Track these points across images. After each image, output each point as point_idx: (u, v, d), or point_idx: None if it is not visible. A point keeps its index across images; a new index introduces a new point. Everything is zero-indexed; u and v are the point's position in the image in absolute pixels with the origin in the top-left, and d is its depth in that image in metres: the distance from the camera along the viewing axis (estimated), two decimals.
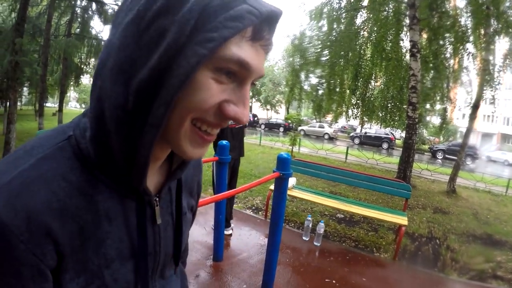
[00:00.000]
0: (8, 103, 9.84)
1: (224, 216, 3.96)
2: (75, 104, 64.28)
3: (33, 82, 16.64)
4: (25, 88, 24.07)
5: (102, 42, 13.38)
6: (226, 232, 4.67)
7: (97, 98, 0.51)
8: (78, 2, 12.81)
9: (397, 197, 7.50)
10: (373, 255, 5.06)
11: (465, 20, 11.84)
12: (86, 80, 28.45)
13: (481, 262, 5.54)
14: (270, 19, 0.50)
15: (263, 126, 37.81)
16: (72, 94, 53.68)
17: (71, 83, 16.74)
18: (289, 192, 5.61)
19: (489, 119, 56.60)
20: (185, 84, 0.46)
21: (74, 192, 0.51)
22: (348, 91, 13.88)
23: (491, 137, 58.10)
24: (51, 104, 47.64)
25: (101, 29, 14.48)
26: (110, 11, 12.70)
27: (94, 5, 12.95)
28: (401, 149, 11.50)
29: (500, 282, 4.96)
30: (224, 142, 3.84)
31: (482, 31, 11.02)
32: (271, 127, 37.29)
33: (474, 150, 30.47)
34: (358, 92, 13.84)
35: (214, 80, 0.48)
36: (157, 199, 0.64)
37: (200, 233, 4.83)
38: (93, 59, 14.71)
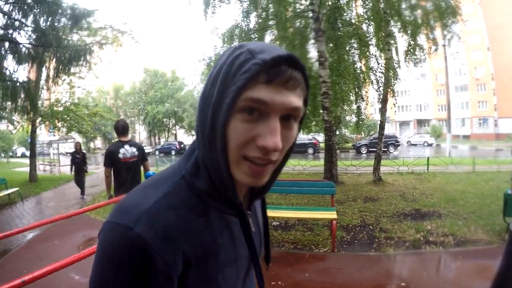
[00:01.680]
0: None
1: None
2: None
3: None
4: None
5: (18, 84, 12.69)
6: None
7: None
8: None
9: (327, 195, 7.90)
10: (312, 252, 5.46)
11: (367, 26, 12.90)
12: (3, 126, 26.56)
13: (413, 234, 6.20)
14: (279, 63, 0.62)
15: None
16: None
17: None
18: None
19: (404, 108, 61.94)
20: (225, 127, 0.64)
21: (193, 216, 0.69)
22: None
23: (408, 124, 63.80)
24: None
25: (15, 70, 13.59)
26: (24, 50, 12.11)
27: (7, 44, 12.19)
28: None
29: (433, 246, 5.61)
30: (151, 173, 4.12)
31: (383, 34, 12.02)
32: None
33: (395, 138, 32.80)
34: None
35: (242, 121, 0.63)
36: (249, 213, 0.84)
37: None
38: (9, 103, 13.78)
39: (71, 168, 12.28)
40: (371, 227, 6.77)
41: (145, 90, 59.36)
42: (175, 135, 56.96)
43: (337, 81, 12.04)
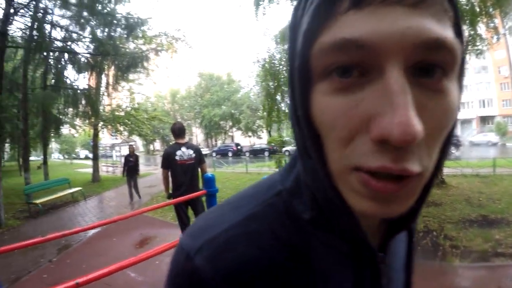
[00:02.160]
0: None
1: None
2: (58, 156, 63.28)
3: (15, 138, 16.57)
4: (6, 144, 23.93)
5: (78, 91, 13.50)
6: None
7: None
8: (51, 54, 12.92)
9: None
10: None
11: None
12: (66, 130, 28.45)
13: (480, 243, 5.67)
14: None
15: (247, 154, 37.96)
16: (54, 145, 53.17)
17: (52, 134, 16.78)
18: None
19: (465, 105, 57.73)
20: (308, 112, 0.39)
21: (284, 250, 0.46)
22: None
23: (470, 122, 59.00)
24: (34, 158, 47.15)
25: (75, 78, 14.58)
26: (82, 59, 12.85)
27: (66, 55, 13.05)
28: None
29: (502, 258, 5.09)
30: (210, 175, 4.12)
31: None
32: (256, 153, 37.54)
33: (456, 137, 31.13)
34: None
35: (333, 95, 0.36)
36: (382, 255, 0.51)
37: None
38: (70, 109, 14.79)
39: (124, 170, 11.95)
40: (434, 233, 6.33)
41: (200, 93, 60.38)
42: (232, 137, 57.59)
43: None
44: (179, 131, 5.18)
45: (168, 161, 5.02)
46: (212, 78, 59.83)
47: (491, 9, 11.21)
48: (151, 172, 20.59)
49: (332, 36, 0.34)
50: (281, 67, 13.36)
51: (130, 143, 11.87)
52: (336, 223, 0.46)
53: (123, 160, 23.44)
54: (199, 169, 5.16)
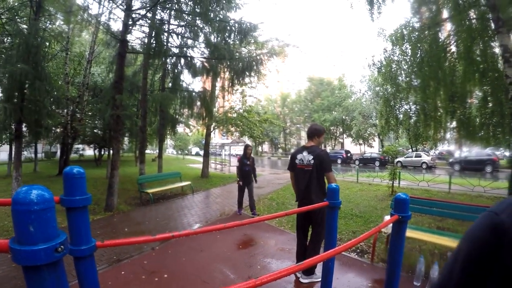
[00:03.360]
0: (111, 151, 10.78)
1: (333, 263, 3.74)
2: (171, 151, 69.32)
3: (133, 133, 18.10)
4: (125, 138, 26.15)
5: (193, 93, 14.17)
6: (307, 280, 4.55)
7: None
8: (169, 59, 13.77)
9: None
10: None
11: None
12: (181, 129, 30.52)
13: None
14: None
15: (357, 162, 36.88)
16: (168, 141, 57.54)
17: (168, 132, 17.84)
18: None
19: None
20: None
21: None
22: (444, 114, 12.49)
23: None
24: (150, 151, 51.60)
25: (190, 82, 15.56)
26: (198, 64, 13.42)
27: (182, 60, 13.79)
28: (509, 170, 10.08)
29: None
30: (335, 185, 3.71)
31: None
32: (366, 162, 36.15)
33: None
34: (457, 113, 12.32)
35: None
36: None
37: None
38: (185, 109, 15.67)
39: (239, 177, 9.27)
40: None
41: (310, 98, 60.33)
42: (342, 143, 56.29)
43: None
44: (309, 132, 4.83)
45: (292, 164, 4.81)
46: (322, 83, 59.46)
47: None
48: (259, 173, 20.83)
49: None
50: (399, 71, 12.34)
51: (247, 143, 10.32)
52: None
53: (232, 159, 23.98)
54: (324, 178, 4.59)
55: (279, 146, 67.72)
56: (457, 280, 0.71)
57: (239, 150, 45.60)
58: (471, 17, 10.71)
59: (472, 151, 28.77)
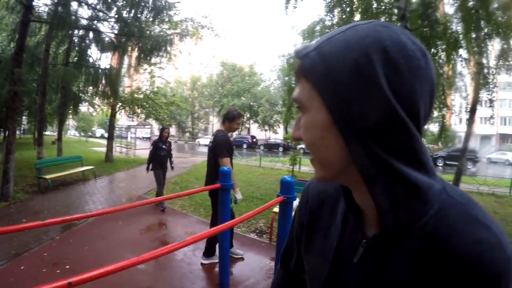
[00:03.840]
0: (7, 132, 9.82)
1: (228, 243, 3.93)
2: (74, 132, 63.24)
3: (32, 111, 16.67)
4: (24, 117, 24.09)
5: (99, 70, 13.42)
6: (207, 261, 4.75)
7: None
8: (76, 32, 12.83)
9: None
10: None
11: (456, 26, 11.84)
12: (85, 108, 28.76)
13: None
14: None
15: (262, 147, 37.78)
16: (71, 122, 53.44)
17: (70, 111, 16.78)
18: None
19: (487, 121, 56.63)
20: None
21: (333, 197, 0.79)
22: None
23: (490, 139, 58.50)
24: (50, 133, 47.69)
25: (98, 57, 14.56)
26: (107, 39, 12.74)
27: (91, 34, 12.96)
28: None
29: None
30: (226, 168, 3.86)
31: (474, 35, 11.00)
32: (270, 148, 37.18)
33: (474, 153, 30.43)
34: None
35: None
36: (364, 241, 0.66)
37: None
38: (91, 87, 14.71)
39: (150, 163, 8.35)
40: None
41: (221, 83, 60.45)
42: (248, 129, 57.22)
43: None
44: (223, 116, 4.85)
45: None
46: (235, 69, 59.88)
47: None
48: None
49: None
50: None
51: (164, 126, 9.61)
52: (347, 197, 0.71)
53: (138, 142, 22.96)
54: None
55: (186, 130, 67.06)
56: (291, 222, 0.98)
57: (145, 132, 44.52)
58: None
59: None
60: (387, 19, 11.68)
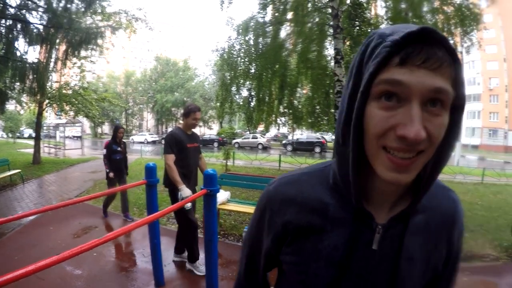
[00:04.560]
0: None
1: (159, 240, 3.91)
2: (0, 134, 56.29)
3: None
4: None
5: (27, 64, 12.55)
6: (177, 258, 4.72)
7: None
8: (3, 21, 11.83)
9: None
10: None
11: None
12: (12, 106, 26.72)
13: None
14: (412, 41, 0.57)
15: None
16: None
17: None
18: (224, 206, 5.89)
19: None
20: (359, 116, 0.63)
21: (314, 196, 0.79)
22: (276, 101, 14.10)
23: None
24: None
25: (25, 50, 13.45)
26: (35, 31, 11.96)
27: (19, 25, 12.03)
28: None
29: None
30: (151, 164, 3.86)
31: None
32: (205, 144, 37.03)
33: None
34: (285, 101, 14.10)
35: (380, 109, 0.60)
36: (380, 227, 0.74)
37: (139, 260, 4.84)
38: (17, 83, 13.64)
39: (109, 169, 6.93)
40: None
41: (155, 78, 59.30)
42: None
43: None
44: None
45: None
46: (169, 63, 58.97)
47: (452, 28, 11.73)
48: (95, 156, 19.75)
49: (387, 76, 0.59)
50: (239, 58, 13.10)
51: (118, 124, 8.13)
52: (347, 190, 0.72)
53: (67, 141, 21.71)
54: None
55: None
56: (249, 235, 0.97)
57: (75, 131, 42.21)
58: (313, 21, 12.12)
59: (304, 134, 32.61)
60: (320, 17, 12.15)
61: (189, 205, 4.02)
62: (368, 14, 12.70)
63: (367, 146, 0.65)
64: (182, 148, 4.26)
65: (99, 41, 12.50)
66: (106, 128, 62.34)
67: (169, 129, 55.10)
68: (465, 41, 12.42)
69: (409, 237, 0.75)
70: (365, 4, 11.97)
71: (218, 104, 14.78)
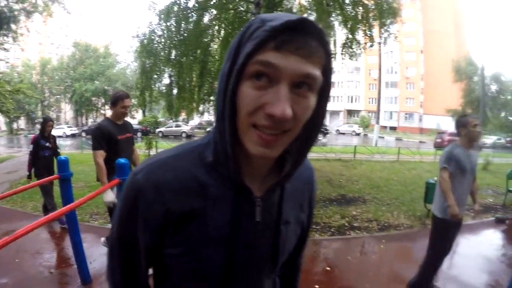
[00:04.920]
0: None
1: (80, 237, 3.79)
2: None
3: None
4: None
5: None
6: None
7: None
8: None
9: None
10: None
11: (308, 16, 12.90)
12: None
13: (338, 219, 6.50)
14: (290, 29, 0.61)
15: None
16: None
17: None
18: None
19: (336, 99, 68.59)
20: (235, 95, 0.66)
21: (190, 178, 0.76)
22: (196, 88, 13.74)
23: (339, 114, 67.79)
24: None
25: None
26: None
27: None
28: None
29: (357, 231, 5.98)
30: (63, 157, 3.76)
31: (324, 25, 12.16)
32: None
33: (324, 126, 34.35)
34: (205, 89, 13.83)
35: (252, 88, 0.63)
36: (259, 199, 0.80)
37: (65, 260, 4.64)
38: None
39: (30, 168, 6.03)
40: None
41: (73, 65, 55.58)
42: (104, 115, 53.68)
43: None
44: None
45: None
46: (88, 50, 55.86)
47: (371, 20, 12.47)
48: (12, 155, 17.92)
49: (262, 57, 0.62)
50: (161, 45, 12.75)
51: (47, 116, 6.79)
52: (226, 167, 0.75)
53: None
54: (110, 153, 4.00)
55: (36, 121, 59.39)
56: (119, 236, 0.83)
57: None
58: (236, 8, 12.29)
59: None
60: (244, 4, 12.31)
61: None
62: (290, 3, 13.02)
63: (239, 123, 0.68)
64: (113, 141, 3.90)
65: (13, 26, 11.66)
66: (23, 123, 57.34)
67: (90, 121, 52.64)
68: (383, 33, 13.28)
69: (284, 205, 0.85)
70: None
71: (137, 92, 14.08)
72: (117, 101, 3.98)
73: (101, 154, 3.82)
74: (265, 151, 0.67)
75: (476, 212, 3.78)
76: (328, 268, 4.43)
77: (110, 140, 3.89)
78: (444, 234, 3.47)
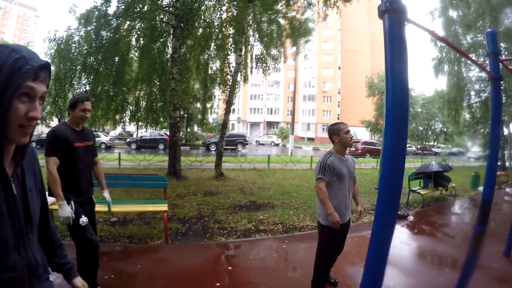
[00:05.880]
0: None
1: None
2: None
3: None
4: None
5: None
6: None
7: None
8: None
9: (169, 189, 7.54)
10: (146, 245, 5.48)
11: (230, 32, 13.35)
12: None
13: (245, 223, 6.82)
14: (42, 68, 1.03)
15: (34, 144, 33.82)
16: None
17: None
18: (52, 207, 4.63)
19: (256, 111, 70.75)
20: (9, 108, 0.97)
21: None
22: (108, 96, 12.85)
23: (259, 125, 69.73)
24: None
25: None
26: None
27: None
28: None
29: (262, 233, 6.33)
30: None
31: (237, 39, 12.76)
32: (42, 144, 32.81)
33: (243, 137, 35.31)
34: (119, 98, 13.36)
35: (21, 103, 0.99)
36: (12, 178, 1.12)
37: None
38: None
39: None
40: (206, 218, 7.12)
41: None
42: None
43: (185, 79, 12.82)
44: None
45: None
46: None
47: (283, 38, 13.24)
48: None
49: (28, 84, 0.99)
50: (78, 50, 11.93)
51: None
52: None
53: None
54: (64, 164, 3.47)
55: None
56: None
57: None
58: (157, 20, 12.41)
59: (147, 132, 32.08)
60: (166, 16, 12.77)
61: (84, 220, 3.37)
62: (211, 17, 13.43)
63: (10, 125, 0.99)
64: (68, 148, 3.40)
65: None
66: None
67: None
68: (293, 49, 14.12)
69: (25, 176, 1.20)
70: (199, 10, 12.39)
71: (50, 99, 13.00)
72: (76, 103, 3.45)
73: (55, 161, 3.30)
74: (24, 140, 1.05)
75: (359, 214, 3.93)
76: (229, 268, 4.70)
77: (66, 147, 3.38)
78: (330, 238, 3.69)
